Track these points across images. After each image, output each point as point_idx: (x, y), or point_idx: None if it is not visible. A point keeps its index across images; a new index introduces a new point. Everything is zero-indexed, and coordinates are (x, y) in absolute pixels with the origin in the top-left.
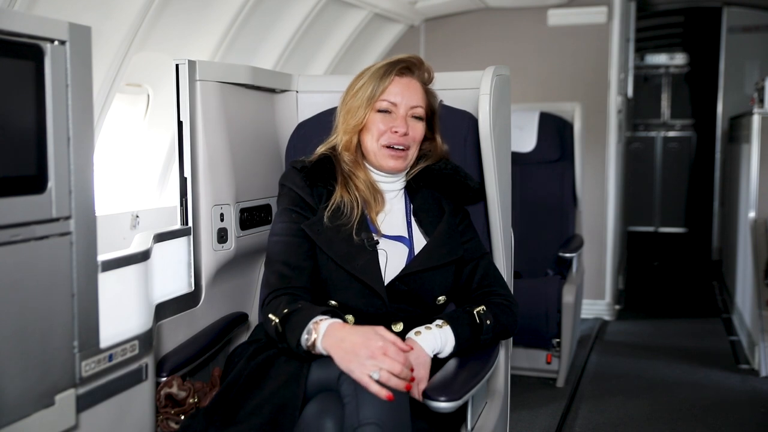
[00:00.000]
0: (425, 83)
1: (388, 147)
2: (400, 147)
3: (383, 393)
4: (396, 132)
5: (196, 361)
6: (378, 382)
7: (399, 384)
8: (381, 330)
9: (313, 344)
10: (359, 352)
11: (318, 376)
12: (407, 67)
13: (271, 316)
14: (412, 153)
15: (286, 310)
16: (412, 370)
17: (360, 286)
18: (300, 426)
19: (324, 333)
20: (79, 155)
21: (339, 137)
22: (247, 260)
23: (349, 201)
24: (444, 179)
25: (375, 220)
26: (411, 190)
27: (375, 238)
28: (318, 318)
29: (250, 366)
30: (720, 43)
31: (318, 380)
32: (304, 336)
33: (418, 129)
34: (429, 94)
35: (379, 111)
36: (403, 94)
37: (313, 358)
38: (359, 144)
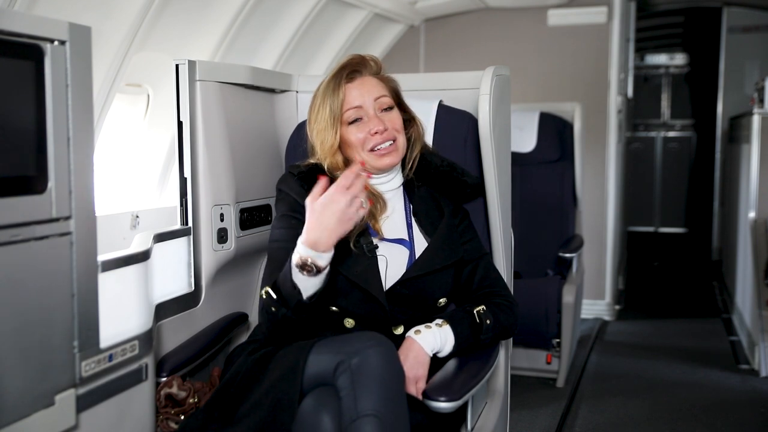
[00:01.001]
0: (378, 73)
1: (375, 149)
2: (388, 143)
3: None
4: (375, 133)
5: (196, 361)
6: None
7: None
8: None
9: (300, 256)
10: (325, 212)
11: (314, 371)
12: (354, 69)
13: (261, 292)
14: (401, 141)
15: (273, 280)
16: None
17: (360, 293)
18: (297, 422)
19: (304, 238)
20: (79, 155)
21: (322, 159)
22: (247, 260)
23: None
24: (441, 176)
25: (377, 225)
26: (409, 190)
27: (374, 243)
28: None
29: (247, 362)
30: (720, 43)
31: (314, 375)
32: (296, 266)
33: (395, 118)
34: (386, 81)
35: (350, 123)
36: (362, 94)
37: (309, 304)
38: (346, 159)
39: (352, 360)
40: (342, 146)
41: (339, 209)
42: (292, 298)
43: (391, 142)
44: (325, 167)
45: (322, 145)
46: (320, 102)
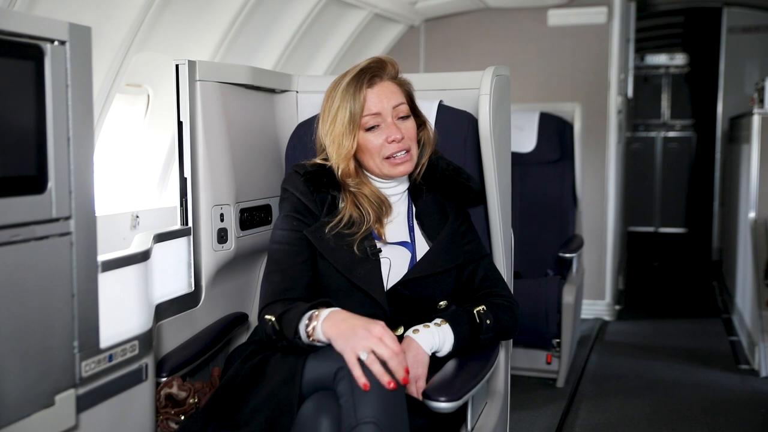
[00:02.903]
0: (395, 78)
1: (391, 157)
2: (403, 152)
3: (362, 380)
4: (393, 141)
5: (196, 362)
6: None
7: (381, 373)
8: (383, 324)
9: (313, 330)
10: (357, 332)
11: (313, 376)
12: (374, 75)
13: (267, 316)
14: (415, 151)
15: (282, 310)
16: (407, 371)
17: (361, 295)
18: (297, 425)
19: (325, 317)
20: (79, 155)
21: (335, 164)
22: (247, 260)
23: (358, 216)
24: (446, 181)
25: (381, 230)
26: (414, 193)
27: (378, 246)
28: (317, 309)
29: (245, 367)
30: (720, 43)
31: (313, 379)
32: (304, 322)
33: (410, 127)
34: (403, 85)
35: (367, 130)
36: (382, 101)
37: (310, 349)
38: (357, 165)
39: None
40: (356, 151)
41: (365, 336)
42: (292, 339)
43: (406, 151)
44: (338, 173)
45: (338, 151)
46: (339, 105)
